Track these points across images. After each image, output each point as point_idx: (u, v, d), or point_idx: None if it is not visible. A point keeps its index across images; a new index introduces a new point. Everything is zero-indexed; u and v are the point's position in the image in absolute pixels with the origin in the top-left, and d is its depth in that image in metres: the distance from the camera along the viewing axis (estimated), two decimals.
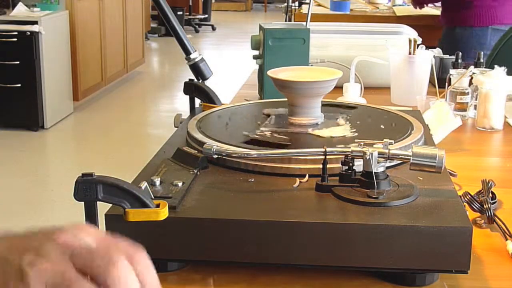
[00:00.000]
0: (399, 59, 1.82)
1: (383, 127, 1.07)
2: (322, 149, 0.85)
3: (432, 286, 0.80)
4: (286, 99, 1.10)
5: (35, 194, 3.52)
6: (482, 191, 1.06)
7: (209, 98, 1.23)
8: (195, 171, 0.90)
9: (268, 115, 1.11)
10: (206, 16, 10.33)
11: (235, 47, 8.69)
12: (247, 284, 0.81)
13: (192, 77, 1.29)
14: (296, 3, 3.93)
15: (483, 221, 1.01)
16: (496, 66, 1.65)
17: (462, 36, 2.89)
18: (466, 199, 1.02)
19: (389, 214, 0.78)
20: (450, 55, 1.97)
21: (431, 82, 1.79)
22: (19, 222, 3.13)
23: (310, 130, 1.04)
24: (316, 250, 0.77)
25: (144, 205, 0.75)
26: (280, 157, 0.90)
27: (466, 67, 1.73)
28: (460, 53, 1.89)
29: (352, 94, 1.66)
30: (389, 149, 0.84)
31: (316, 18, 2.98)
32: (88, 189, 0.74)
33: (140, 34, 6.71)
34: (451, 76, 1.71)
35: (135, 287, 0.51)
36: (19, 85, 4.35)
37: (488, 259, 0.90)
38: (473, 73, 1.69)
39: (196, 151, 0.94)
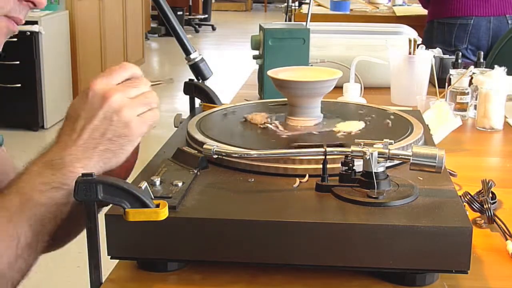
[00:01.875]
0: (399, 59, 1.82)
1: (382, 127, 1.07)
2: (322, 149, 0.85)
3: (432, 286, 0.80)
4: (286, 99, 1.10)
5: None
6: (482, 191, 1.06)
7: (209, 98, 1.23)
8: (195, 171, 0.90)
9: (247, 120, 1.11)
10: (206, 16, 10.33)
11: (235, 47, 8.69)
12: (247, 284, 0.81)
13: (192, 77, 1.29)
14: (296, 3, 3.94)
15: (483, 221, 1.01)
16: (496, 66, 1.66)
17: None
18: (466, 199, 1.02)
19: (389, 214, 0.78)
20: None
21: (431, 82, 1.80)
22: None
23: (332, 128, 1.04)
24: (316, 250, 0.77)
25: (144, 205, 0.75)
26: (280, 157, 0.90)
27: (466, 67, 1.73)
28: (460, 53, 1.89)
29: (352, 94, 1.66)
30: (389, 149, 0.84)
31: (316, 18, 2.98)
32: (88, 189, 0.74)
33: (140, 34, 6.72)
34: (451, 76, 1.71)
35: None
36: (19, 85, 4.35)
37: (488, 259, 0.90)
38: (473, 73, 1.69)
39: (196, 151, 0.94)
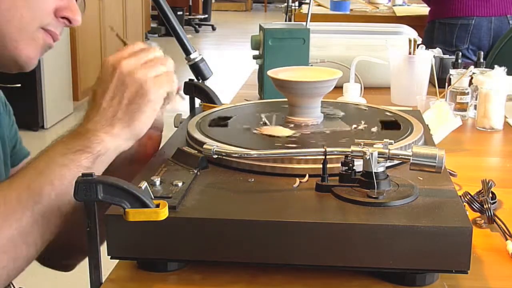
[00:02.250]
0: (399, 59, 1.82)
1: (383, 127, 1.07)
2: (322, 149, 0.85)
3: (432, 286, 0.80)
4: (286, 99, 1.10)
5: None
6: (482, 191, 1.06)
7: (209, 98, 1.23)
8: (195, 171, 0.90)
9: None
10: (206, 16, 10.34)
11: (235, 47, 8.69)
12: (247, 284, 0.81)
13: (192, 77, 1.28)
14: (296, 3, 3.94)
15: (483, 221, 1.01)
16: (496, 66, 1.66)
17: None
18: (466, 199, 1.02)
19: (389, 214, 0.78)
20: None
21: (431, 82, 1.80)
22: None
23: (259, 130, 1.04)
24: (316, 250, 0.77)
25: (144, 205, 0.75)
26: (280, 157, 0.90)
27: (466, 67, 1.73)
28: (460, 53, 1.89)
29: (352, 94, 1.66)
30: (389, 149, 0.84)
31: (316, 18, 2.98)
32: (88, 189, 0.74)
33: (140, 34, 6.72)
34: (451, 76, 1.71)
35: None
36: (19, 85, 4.35)
37: (488, 259, 0.90)
38: (473, 73, 1.69)
39: (196, 151, 0.94)
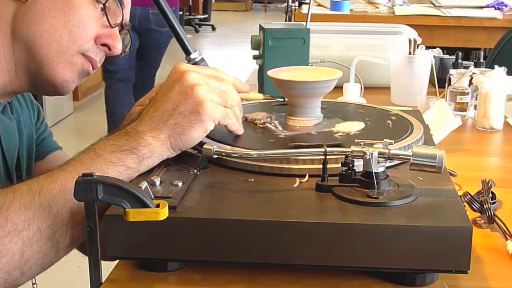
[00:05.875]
0: (399, 59, 1.82)
1: (382, 127, 1.07)
2: (322, 149, 0.85)
3: (432, 286, 0.80)
4: (286, 99, 1.10)
5: None
6: (482, 191, 1.06)
7: None
8: (195, 171, 0.90)
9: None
10: (206, 16, 10.33)
11: (235, 47, 8.69)
12: (247, 284, 0.81)
13: None
14: (296, 3, 3.94)
15: (483, 221, 1.01)
16: (496, 66, 1.66)
17: None
18: (466, 199, 1.02)
19: (389, 214, 0.78)
20: None
21: (431, 82, 1.80)
22: None
23: (332, 128, 1.04)
24: (316, 250, 0.77)
25: (144, 205, 0.75)
26: (280, 157, 0.90)
27: (466, 67, 1.73)
28: (460, 53, 1.89)
29: (352, 94, 1.66)
30: (389, 149, 0.84)
31: (316, 18, 2.98)
32: (88, 189, 0.74)
33: None
34: (451, 76, 1.71)
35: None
36: None
37: (488, 259, 0.90)
38: (473, 73, 1.69)
39: (196, 151, 0.95)
